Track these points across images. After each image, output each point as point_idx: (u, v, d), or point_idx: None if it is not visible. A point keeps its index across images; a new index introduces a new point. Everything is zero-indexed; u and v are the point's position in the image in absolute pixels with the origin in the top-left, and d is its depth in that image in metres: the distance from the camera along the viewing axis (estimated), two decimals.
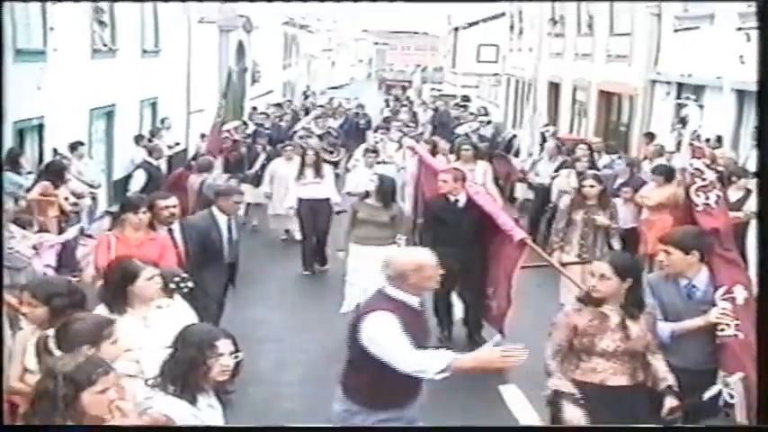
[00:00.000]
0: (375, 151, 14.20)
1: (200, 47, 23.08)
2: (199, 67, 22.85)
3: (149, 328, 4.73)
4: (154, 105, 20.05)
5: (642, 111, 21.52)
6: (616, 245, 10.09)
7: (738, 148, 16.06)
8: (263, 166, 15.51)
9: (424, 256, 5.46)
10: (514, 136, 22.52)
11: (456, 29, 46.59)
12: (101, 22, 16.59)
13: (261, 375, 8.70)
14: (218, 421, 4.56)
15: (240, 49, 29.21)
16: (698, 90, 19.01)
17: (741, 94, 16.52)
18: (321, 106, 30.64)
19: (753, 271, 6.43)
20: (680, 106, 16.69)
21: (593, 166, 14.13)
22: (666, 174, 12.44)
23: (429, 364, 4.96)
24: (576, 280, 9.57)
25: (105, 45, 16.79)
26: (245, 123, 19.39)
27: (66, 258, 9.87)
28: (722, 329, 5.59)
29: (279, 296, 12.12)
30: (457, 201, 9.46)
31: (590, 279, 5.60)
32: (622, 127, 23.39)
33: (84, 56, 15.88)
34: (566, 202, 10.95)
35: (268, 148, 16.92)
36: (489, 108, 33.13)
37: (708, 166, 6.71)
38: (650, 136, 18.12)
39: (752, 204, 11.13)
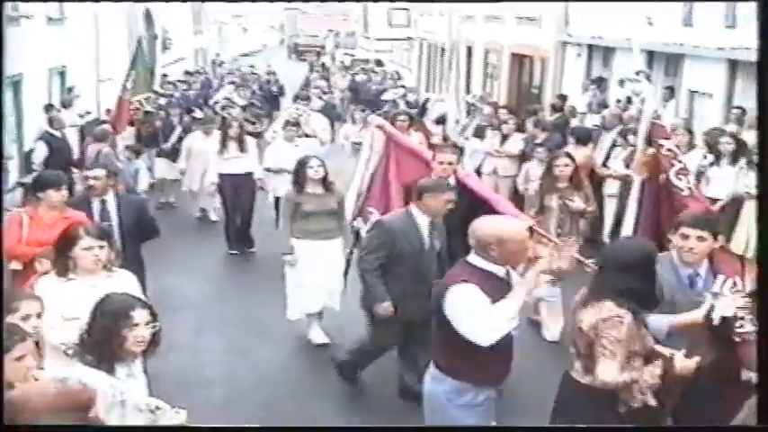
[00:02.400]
0: (296, 124, 13.12)
1: (107, 14, 22.62)
2: (107, 34, 22.41)
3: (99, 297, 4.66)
4: (62, 74, 19.64)
5: (554, 73, 21.79)
6: (587, 229, 9.19)
7: None
8: (180, 139, 14.99)
9: (510, 229, 5.13)
10: (428, 100, 22.56)
11: None
12: None
13: (181, 343, 8.67)
14: (139, 390, 4.52)
15: (148, 15, 28.70)
16: (608, 52, 19.34)
17: (650, 56, 16.84)
18: (231, 73, 30.32)
19: None
20: (623, 82, 16.77)
21: (519, 129, 14.17)
22: (583, 136, 12.59)
23: (502, 326, 4.92)
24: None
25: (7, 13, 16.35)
26: (156, 93, 19.03)
27: None
28: (740, 325, 5.15)
29: (201, 269, 11.98)
30: (447, 185, 7.92)
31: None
32: (534, 89, 23.65)
33: None
34: (535, 187, 9.60)
35: (185, 119, 16.37)
36: (402, 72, 33.17)
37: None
38: (562, 98, 18.38)
39: None
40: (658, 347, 5.02)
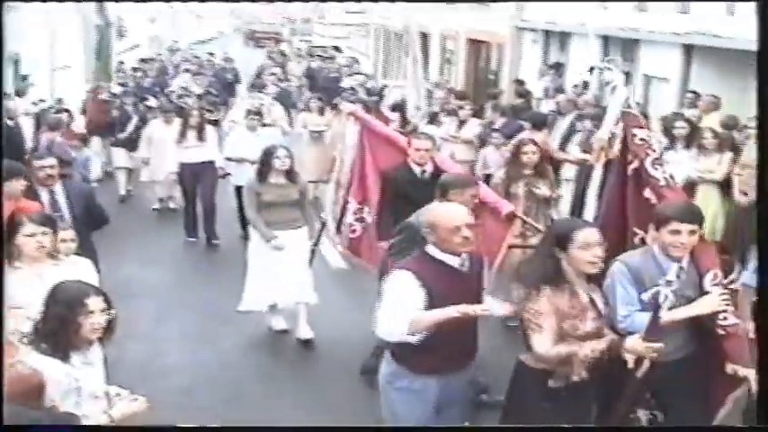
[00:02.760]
0: (258, 113, 12.86)
1: (61, 2, 22.34)
2: (61, 22, 22.16)
3: (46, 285, 4.60)
4: (16, 62, 19.41)
5: (511, 58, 21.86)
6: (555, 215, 9.05)
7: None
8: (137, 128, 14.66)
9: (439, 214, 5.02)
10: (385, 86, 22.49)
11: None
12: None
13: (140, 331, 8.66)
14: (96, 378, 4.49)
15: (100, 2, 28.39)
16: (564, 37, 19.45)
17: (606, 40, 16.96)
18: (187, 60, 30.02)
19: None
20: (594, 70, 16.80)
21: (477, 114, 14.20)
22: (538, 121, 12.64)
23: (396, 330, 4.83)
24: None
25: None
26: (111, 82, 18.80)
27: None
28: (724, 318, 5.14)
29: (161, 257, 11.91)
30: (424, 171, 7.90)
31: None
32: (491, 75, 23.72)
33: None
34: (500, 175, 9.47)
35: (140, 107, 16.04)
36: (360, 59, 33.06)
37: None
38: (519, 83, 18.47)
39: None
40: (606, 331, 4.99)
